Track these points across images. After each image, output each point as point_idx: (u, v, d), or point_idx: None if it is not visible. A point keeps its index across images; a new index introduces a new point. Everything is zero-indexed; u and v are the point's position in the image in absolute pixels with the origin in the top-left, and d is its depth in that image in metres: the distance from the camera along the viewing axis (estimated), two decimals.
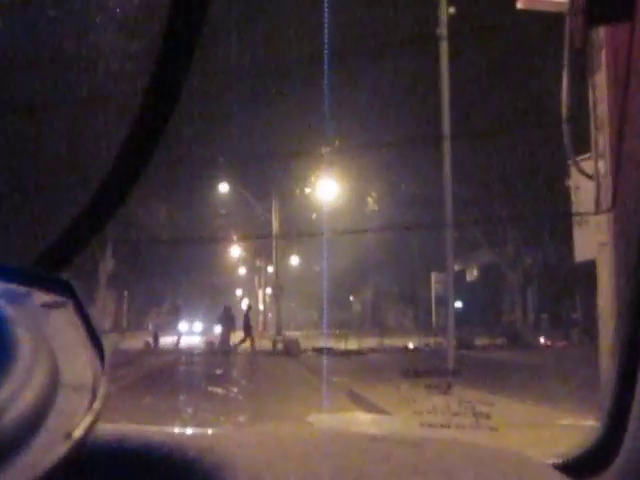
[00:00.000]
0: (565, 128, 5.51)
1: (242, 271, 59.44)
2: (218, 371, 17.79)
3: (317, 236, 33.12)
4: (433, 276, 36.28)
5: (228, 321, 27.78)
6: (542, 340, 26.35)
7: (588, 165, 5.67)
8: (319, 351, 23.23)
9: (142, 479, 0.89)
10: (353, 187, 31.45)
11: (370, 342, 26.34)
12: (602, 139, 5.47)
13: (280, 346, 25.89)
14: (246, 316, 28.05)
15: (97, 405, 0.58)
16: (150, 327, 29.70)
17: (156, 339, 28.81)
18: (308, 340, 26.38)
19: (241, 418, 9.48)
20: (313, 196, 32.76)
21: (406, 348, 24.67)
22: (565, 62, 5.47)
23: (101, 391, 0.58)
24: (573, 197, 6.06)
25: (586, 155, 5.70)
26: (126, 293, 44.91)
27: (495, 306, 35.21)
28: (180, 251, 39.70)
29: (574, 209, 6.05)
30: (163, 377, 16.16)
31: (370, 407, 10.73)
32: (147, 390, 12.31)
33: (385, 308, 47.88)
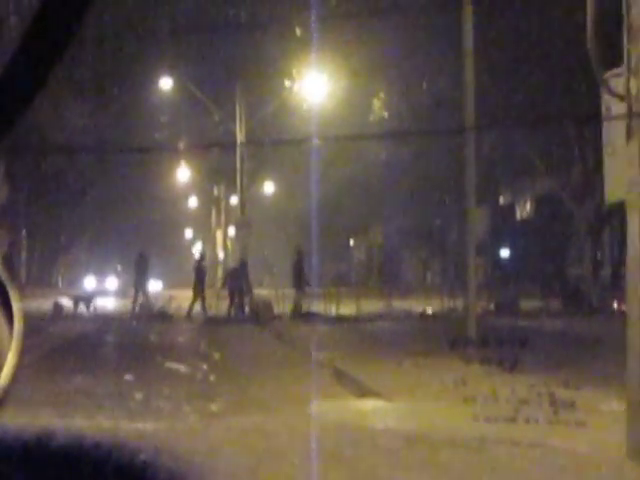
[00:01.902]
0: (590, 32, 6.58)
1: (193, 202, 60.53)
2: (153, 343, 19.07)
3: (301, 147, 33.84)
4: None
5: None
6: (615, 304, 27.65)
7: (621, 83, 6.72)
8: (299, 317, 24.57)
9: None
10: (352, 84, 32.33)
11: (374, 305, 27.62)
12: (636, 51, 6.51)
13: (246, 309, 27.29)
14: (198, 267, 29.67)
15: (3, 382, 0.59)
16: (60, 283, 30.87)
17: (83, 300, 30.05)
18: (287, 301, 27.70)
19: (213, 407, 9.96)
20: (295, 97, 33.61)
21: (423, 314, 26.01)
22: None
23: (10, 362, 0.59)
24: (604, 121, 7.13)
25: (618, 70, 6.74)
26: (25, 233, 45.97)
27: (556, 255, 36.48)
28: (102, 173, 40.61)
29: (605, 135, 7.14)
30: (87, 352, 17.42)
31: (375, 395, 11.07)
32: (70, 368, 13.43)
33: (399, 257, 49.18)
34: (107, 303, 31.50)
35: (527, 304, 27.59)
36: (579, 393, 9.87)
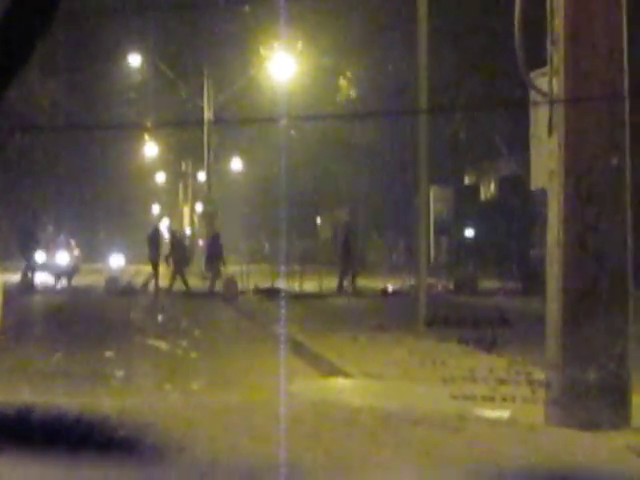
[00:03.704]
0: (517, 36, 7.34)
1: (161, 178, 60.91)
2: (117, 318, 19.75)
3: (270, 125, 34.40)
4: (432, 191, 38.22)
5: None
6: None
7: (545, 81, 7.47)
8: (264, 293, 25.32)
9: (49, 463, 0.90)
10: (321, 63, 32.94)
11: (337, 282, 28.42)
12: (557, 54, 7.27)
13: (210, 284, 28.06)
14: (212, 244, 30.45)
15: None
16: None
17: (64, 274, 30.58)
18: (253, 278, 28.40)
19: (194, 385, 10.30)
20: (264, 74, 34.18)
21: (384, 291, 26.85)
22: None
23: None
24: (532, 115, 7.89)
25: (543, 69, 7.49)
26: None
27: (518, 236, 37.29)
28: (69, 149, 41.01)
29: (532, 128, 7.91)
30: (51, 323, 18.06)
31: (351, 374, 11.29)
32: (46, 343, 13.95)
33: (365, 236, 49.89)
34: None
35: (487, 284, 28.42)
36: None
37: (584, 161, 7.25)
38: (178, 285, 28.37)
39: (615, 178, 7.30)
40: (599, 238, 7.28)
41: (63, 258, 33.70)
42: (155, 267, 29.24)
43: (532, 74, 7.59)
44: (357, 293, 26.61)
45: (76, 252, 34.62)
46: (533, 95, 7.75)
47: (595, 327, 7.13)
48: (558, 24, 7.28)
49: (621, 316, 7.21)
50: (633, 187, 7.37)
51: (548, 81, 7.38)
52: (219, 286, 27.58)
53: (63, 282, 30.92)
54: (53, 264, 32.39)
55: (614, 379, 7.07)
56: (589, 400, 7.01)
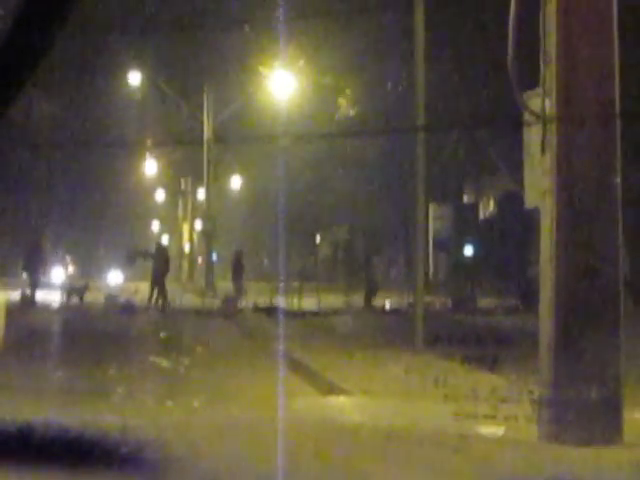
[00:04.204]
0: (510, 58, 7.48)
1: (160, 195, 61.04)
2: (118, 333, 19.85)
3: (269, 144, 34.62)
4: (431, 209, 38.37)
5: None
6: None
7: (539, 102, 7.60)
8: (263, 311, 25.41)
9: (50, 478, 0.91)
10: (319, 82, 33.13)
11: (337, 300, 28.55)
12: (550, 74, 7.40)
13: (209, 303, 28.12)
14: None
15: None
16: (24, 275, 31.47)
17: (76, 292, 30.71)
18: (252, 296, 28.52)
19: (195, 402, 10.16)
20: (264, 93, 34.37)
21: (382, 309, 26.98)
22: None
23: None
24: (525, 135, 8.01)
25: (537, 90, 7.62)
26: None
27: (517, 253, 37.39)
28: (70, 165, 41.15)
29: (525, 147, 8.03)
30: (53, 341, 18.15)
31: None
32: (48, 360, 14.05)
33: (364, 254, 49.93)
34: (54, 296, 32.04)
35: (485, 301, 28.52)
36: None
37: (576, 179, 7.36)
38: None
39: (607, 196, 7.40)
40: (591, 255, 7.37)
41: (59, 275, 33.74)
42: (158, 283, 29.35)
43: (525, 95, 7.70)
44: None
45: (70, 269, 34.66)
46: (526, 114, 7.85)
47: (588, 343, 7.22)
48: (550, 44, 7.41)
49: (614, 332, 7.29)
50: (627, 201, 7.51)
51: (541, 100, 7.50)
52: (218, 304, 27.77)
53: (72, 299, 31.01)
54: (66, 281, 32.55)
55: (607, 395, 7.16)
56: (583, 416, 7.09)
